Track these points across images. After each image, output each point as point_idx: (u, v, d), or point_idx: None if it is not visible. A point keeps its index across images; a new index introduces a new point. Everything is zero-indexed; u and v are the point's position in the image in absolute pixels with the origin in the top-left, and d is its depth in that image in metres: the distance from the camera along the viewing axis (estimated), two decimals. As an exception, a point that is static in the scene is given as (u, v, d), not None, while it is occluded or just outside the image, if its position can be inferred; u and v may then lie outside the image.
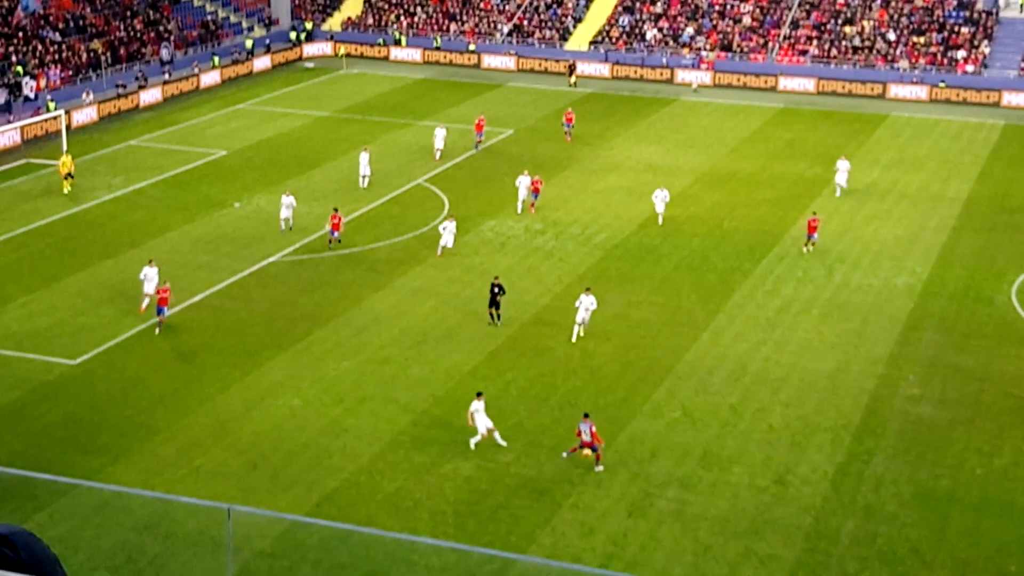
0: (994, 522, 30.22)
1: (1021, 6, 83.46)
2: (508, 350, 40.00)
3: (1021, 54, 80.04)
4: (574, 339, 40.21)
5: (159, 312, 40.71)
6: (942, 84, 77.98)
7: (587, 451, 32.08)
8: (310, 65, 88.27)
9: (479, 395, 33.84)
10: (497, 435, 33.29)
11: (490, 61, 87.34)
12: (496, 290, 41.40)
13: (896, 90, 78.21)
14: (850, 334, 41.24)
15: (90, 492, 30.22)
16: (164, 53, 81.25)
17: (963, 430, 34.70)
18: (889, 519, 30.32)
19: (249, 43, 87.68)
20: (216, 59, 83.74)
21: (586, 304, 40.24)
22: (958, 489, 31.71)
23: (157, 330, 40.83)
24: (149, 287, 41.54)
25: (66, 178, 55.97)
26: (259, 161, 62.75)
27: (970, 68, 79.67)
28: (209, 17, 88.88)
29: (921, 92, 77.71)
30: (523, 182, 53.51)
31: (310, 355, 39.58)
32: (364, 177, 57.48)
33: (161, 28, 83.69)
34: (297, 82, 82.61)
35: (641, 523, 30.10)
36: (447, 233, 47.73)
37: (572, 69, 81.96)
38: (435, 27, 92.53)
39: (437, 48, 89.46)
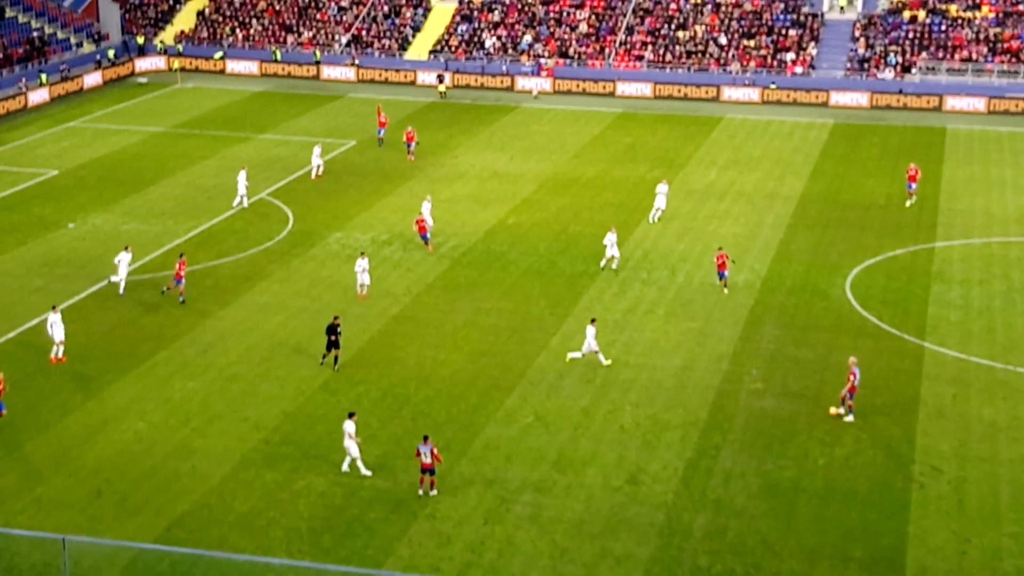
0: (838, 509, 31.14)
1: (842, 8, 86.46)
2: (359, 362, 39.66)
3: (846, 55, 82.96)
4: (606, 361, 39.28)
5: (177, 283, 44.09)
6: (773, 86, 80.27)
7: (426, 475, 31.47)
8: (143, 80, 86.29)
9: (351, 415, 32.97)
10: (360, 465, 32.65)
11: (329, 72, 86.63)
12: (334, 331, 38.62)
13: (729, 92, 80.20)
14: (695, 332, 42.07)
15: (-76, 530, 28.93)
16: (-11, 71, 78.40)
17: (805, 421, 35.71)
18: (739, 512, 31.00)
19: (111, 53, 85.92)
20: (44, 76, 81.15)
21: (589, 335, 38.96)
22: (803, 479, 32.60)
23: (181, 298, 44.17)
24: (58, 333, 39.42)
25: None
26: (93, 180, 61.03)
27: (799, 70, 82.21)
28: (35, 33, 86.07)
29: (753, 94, 79.86)
30: (425, 208, 51.89)
31: (154, 376, 38.60)
32: (241, 196, 55.86)
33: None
34: (130, 98, 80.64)
35: (498, 529, 30.15)
36: (362, 273, 44.60)
37: (442, 78, 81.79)
38: (272, 39, 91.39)
39: (275, 60, 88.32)
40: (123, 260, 45.01)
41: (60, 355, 39.66)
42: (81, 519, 30.28)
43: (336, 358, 38.92)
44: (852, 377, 35.20)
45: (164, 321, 42.60)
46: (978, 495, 31.71)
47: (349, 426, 32.54)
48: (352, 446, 32.49)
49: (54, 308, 40.35)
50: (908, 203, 56.56)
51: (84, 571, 27.40)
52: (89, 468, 32.94)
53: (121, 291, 45.18)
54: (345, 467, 32.76)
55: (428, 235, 49.91)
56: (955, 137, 70.19)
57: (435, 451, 31.33)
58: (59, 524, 29.74)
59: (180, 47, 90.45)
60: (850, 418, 35.27)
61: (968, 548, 29.39)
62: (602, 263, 47.90)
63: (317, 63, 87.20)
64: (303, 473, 32.69)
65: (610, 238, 47.70)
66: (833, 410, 35.73)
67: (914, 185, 56.92)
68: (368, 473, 32.50)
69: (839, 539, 29.84)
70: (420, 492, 31.54)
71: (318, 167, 60.31)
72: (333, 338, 38.69)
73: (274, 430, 35.04)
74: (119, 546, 28.58)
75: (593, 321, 39.29)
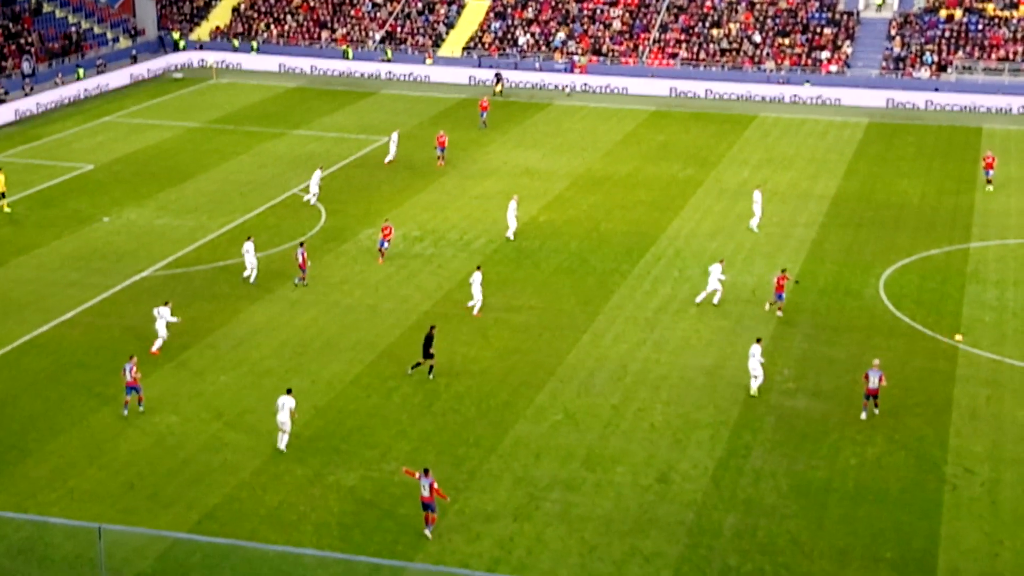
0: (869, 510, 30.98)
1: (878, 6, 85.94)
2: (390, 358, 39.78)
3: (881, 53, 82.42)
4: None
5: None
6: (807, 84, 79.85)
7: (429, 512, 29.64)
8: (178, 76, 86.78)
9: (288, 391, 33.62)
10: (283, 439, 33.45)
11: (363, 68, 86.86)
12: (430, 342, 37.98)
13: (763, 91, 79.86)
14: (726, 331, 41.93)
15: (-41, 520, 29.24)
16: (26, 66, 79.04)
17: (837, 421, 35.53)
18: (769, 511, 30.89)
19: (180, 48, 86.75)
20: (81, 71, 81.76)
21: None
22: (834, 479, 32.44)
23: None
24: (161, 328, 39.87)
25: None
26: (128, 174, 61.45)
27: (834, 68, 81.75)
28: (72, 28, 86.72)
29: (787, 92, 79.45)
30: (511, 207, 51.49)
31: (187, 370, 38.83)
32: (313, 195, 56.28)
33: (22, 40, 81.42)
34: (165, 93, 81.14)
35: (527, 526, 30.17)
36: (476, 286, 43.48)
37: (499, 78, 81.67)
38: (306, 35, 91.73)
39: (311, 56, 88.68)
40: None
41: (155, 350, 39.65)
42: (113, 512, 30.50)
43: (431, 367, 38.09)
44: (866, 380, 35.37)
45: (197, 315, 42.84)
46: (1011, 497, 31.47)
47: (289, 401, 33.19)
48: (288, 422, 33.20)
49: (166, 303, 40.57)
50: (988, 188, 58.79)
51: (117, 563, 27.65)
52: (122, 461, 33.19)
53: (252, 280, 45.82)
54: (282, 446, 33.47)
55: (386, 244, 48.58)
56: (991, 137, 69.57)
57: (436, 486, 29.25)
58: (91, 516, 29.96)
59: (236, 42, 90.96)
60: (863, 416, 35.51)
61: (1001, 550, 29.16)
62: (700, 297, 44.39)
63: (352, 60, 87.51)
64: (333, 468, 32.82)
65: (715, 269, 44.14)
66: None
67: (992, 172, 59.14)
68: (283, 448, 33.34)
69: (870, 540, 29.69)
70: (427, 532, 29.57)
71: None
72: (428, 348, 37.90)
73: (305, 425, 35.18)
74: (153, 536, 28.82)
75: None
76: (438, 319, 42.77)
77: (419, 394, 37.23)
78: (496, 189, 58.85)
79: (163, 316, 39.99)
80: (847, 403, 36.56)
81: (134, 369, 35.38)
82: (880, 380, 35.10)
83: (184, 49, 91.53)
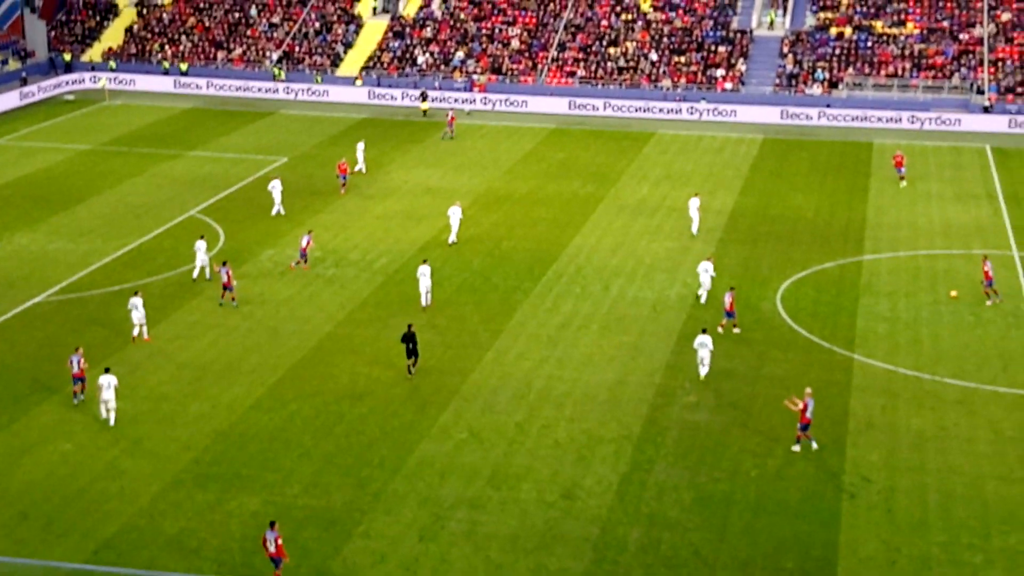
0: (770, 520, 31.39)
1: (770, 24, 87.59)
2: (291, 380, 39.37)
3: (775, 71, 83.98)
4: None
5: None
6: (703, 101, 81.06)
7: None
8: (70, 97, 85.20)
9: (107, 370, 36.16)
10: (112, 416, 35.64)
11: (259, 88, 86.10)
12: (411, 339, 39.24)
13: (660, 108, 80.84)
14: (628, 346, 42.25)
15: None
16: (-89, 88, 77.03)
17: (738, 434, 35.97)
18: (672, 525, 31.14)
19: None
20: (-32, 93, 79.92)
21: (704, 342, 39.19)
22: (735, 491, 32.82)
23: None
24: (137, 315, 42.14)
25: None
26: (19, 199, 60.07)
27: (729, 85, 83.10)
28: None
29: (684, 110, 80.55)
30: (455, 212, 53.33)
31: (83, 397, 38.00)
32: (278, 205, 57.15)
33: (-94, 61, 79.34)
34: (57, 115, 79.58)
35: (432, 547, 30.02)
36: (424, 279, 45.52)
37: (425, 96, 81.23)
38: (201, 55, 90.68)
39: (209, 77, 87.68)
40: (200, 248, 47.42)
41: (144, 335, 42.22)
42: (6, 543, 29.69)
43: (410, 366, 39.48)
44: (793, 405, 34.51)
45: (92, 341, 41.95)
46: (907, 505, 32.12)
47: (112, 379, 35.62)
48: (112, 399, 35.60)
49: (136, 293, 43.11)
50: (902, 184, 63.13)
51: (10, 596, 26.92)
52: (15, 491, 32.33)
53: (196, 277, 47.70)
54: (113, 421, 35.68)
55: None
56: (882, 152, 71.25)
57: (280, 541, 27.84)
58: (-16, 549, 29.16)
59: (113, 63, 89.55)
60: (796, 448, 34.74)
61: (898, 558, 29.74)
62: (703, 297, 46.26)
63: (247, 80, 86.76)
64: (235, 493, 32.34)
65: (705, 267, 46.13)
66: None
67: (903, 170, 63.36)
68: (112, 423, 35.59)
69: (771, 550, 30.07)
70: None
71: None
72: (411, 345, 39.09)
73: (205, 450, 34.64)
74: (48, 567, 28.12)
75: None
76: (340, 340, 42.48)
77: (322, 416, 36.88)
78: (397, 208, 58.68)
79: (137, 306, 42.10)
80: (747, 415, 37.05)
81: (81, 360, 37.37)
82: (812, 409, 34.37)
83: (74, 70, 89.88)
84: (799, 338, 43.12)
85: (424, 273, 45.48)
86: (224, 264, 45.65)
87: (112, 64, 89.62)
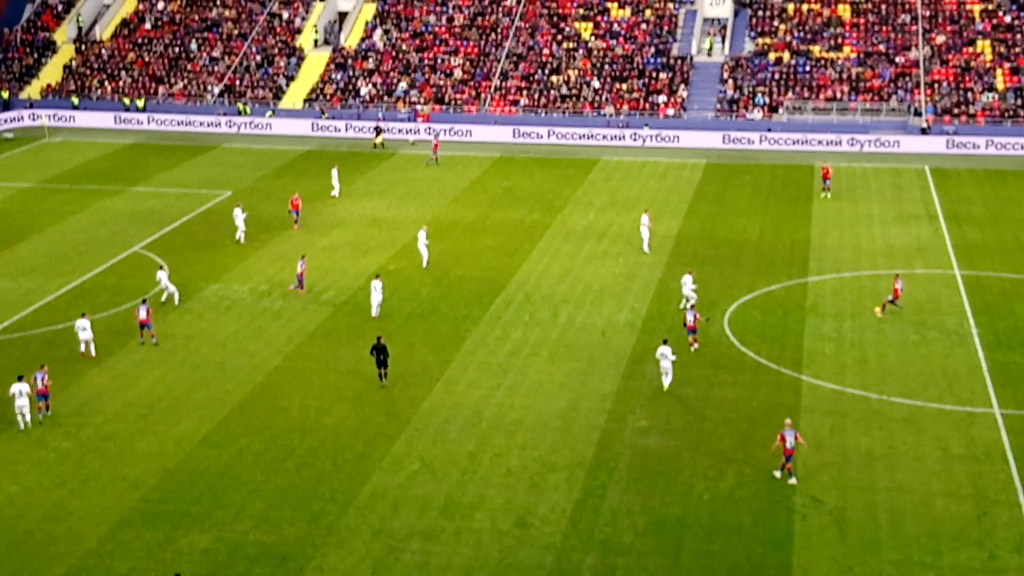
0: (723, 544, 31.47)
1: (709, 51, 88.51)
2: (240, 415, 39.01)
3: (716, 96, 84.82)
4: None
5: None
6: (646, 127, 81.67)
7: None
8: (9, 136, 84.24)
9: (20, 378, 37.97)
10: (22, 421, 37.54)
11: (201, 122, 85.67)
12: (382, 351, 40.80)
13: (604, 135, 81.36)
14: (578, 372, 42.30)
15: None
16: None
17: (689, 457, 36.08)
18: (626, 550, 31.13)
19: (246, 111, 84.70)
20: (-95, 132, 78.81)
21: (665, 354, 40.46)
22: (688, 515, 32.89)
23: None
24: (85, 336, 43.39)
25: None
26: (-41, 237, 59.26)
27: (671, 111, 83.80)
28: None
29: (627, 136, 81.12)
30: (421, 236, 54.67)
31: (27, 437, 37.42)
32: (241, 231, 57.64)
33: None
34: (-3, 152, 78.62)
35: (387, 579, 29.79)
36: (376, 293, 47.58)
37: (379, 130, 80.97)
38: (142, 90, 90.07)
39: (138, 110, 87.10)
40: (162, 278, 48.74)
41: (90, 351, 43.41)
42: (-49, 589, 29.14)
43: (382, 375, 40.82)
44: (782, 440, 34.06)
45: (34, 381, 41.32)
46: (858, 524, 32.34)
47: (24, 387, 37.45)
48: (27, 405, 37.47)
49: (83, 315, 44.49)
50: (826, 196, 65.94)
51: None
52: (-41, 535, 31.74)
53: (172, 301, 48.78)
54: (23, 426, 37.58)
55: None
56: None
57: (48, 381, 33.45)
58: (-72, 595, 28.57)
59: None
60: (793, 481, 34.25)
61: (851, 576, 29.92)
62: (683, 304, 47.85)
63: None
64: (185, 531, 31.94)
65: (687, 280, 48.21)
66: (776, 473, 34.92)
67: (828, 182, 66.31)
68: (29, 425, 37.54)
69: (725, 573, 30.12)
70: None
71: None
72: (382, 357, 40.54)
73: (153, 488, 34.20)
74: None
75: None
76: (289, 373, 42.18)
77: (272, 450, 36.56)
78: (343, 240, 58.48)
79: (85, 327, 43.22)
80: (697, 439, 37.18)
81: (45, 378, 38.64)
82: (796, 439, 34.09)
83: (12, 108, 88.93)
84: (747, 360, 43.39)
85: (376, 288, 47.44)
86: (143, 302, 45.16)
87: (75, 100, 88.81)
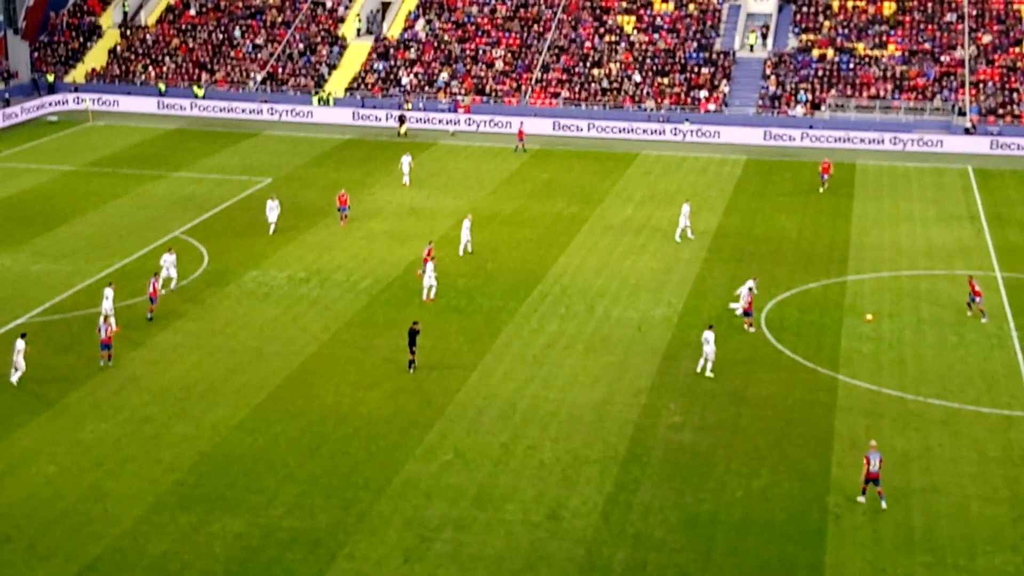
0: (756, 541, 31.37)
1: (752, 46, 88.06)
2: (275, 401, 39.24)
3: (758, 92, 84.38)
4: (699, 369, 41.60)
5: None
6: (687, 122, 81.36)
7: None
8: (53, 119, 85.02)
9: (23, 335, 39.90)
10: (16, 375, 39.26)
11: (243, 109, 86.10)
12: (414, 336, 41.36)
13: (644, 129, 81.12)
14: (613, 366, 42.26)
15: None
16: None
17: (723, 454, 35.98)
18: (658, 545, 31.09)
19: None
20: (-49, 113, 79.73)
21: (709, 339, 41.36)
22: (720, 511, 32.80)
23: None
24: (107, 305, 44.43)
25: None
26: (1, 220, 59.85)
27: (712, 107, 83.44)
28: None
29: (668, 131, 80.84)
30: (465, 225, 54.87)
31: (65, 419, 37.81)
32: (272, 224, 57.46)
33: None
34: (40, 136, 79.40)
35: (417, 568, 29.90)
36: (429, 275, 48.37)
37: (403, 119, 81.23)
38: (185, 77, 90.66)
39: (196, 97, 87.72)
40: (167, 261, 48.95)
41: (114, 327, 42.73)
42: (-12, 566, 29.52)
43: (411, 362, 41.41)
44: (867, 463, 32.80)
45: (75, 362, 41.80)
46: (892, 525, 32.14)
47: (21, 344, 39.39)
48: (22, 361, 39.23)
49: (110, 284, 46.26)
50: (820, 190, 66.80)
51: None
52: (-3, 514, 32.15)
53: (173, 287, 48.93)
54: (15, 380, 39.40)
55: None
56: (864, 173, 71.61)
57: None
58: (-35, 572, 28.96)
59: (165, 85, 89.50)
60: (861, 499, 33.15)
61: (883, 577, 29.75)
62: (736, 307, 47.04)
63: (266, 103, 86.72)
64: (219, 515, 32.18)
65: (743, 290, 46.34)
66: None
67: (827, 176, 67.05)
68: (15, 382, 39.21)
69: (756, 571, 30.03)
70: None
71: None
72: (412, 342, 41.19)
73: (189, 471, 34.48)
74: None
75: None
76: (325, 361, 42.38)
77: (306, 437, 36.76)
78: (381, 229, 58.66)
79: (108, 296, 44.56)
80: (731, 435, 37.06)
81: (109, 329, 41.25)
82: (880, 463, 32.65)
83: (57, 91, 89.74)
84: (784, 358, 43.19)
85: (429, 271, 48.42)
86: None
87: (86, 103, 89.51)
